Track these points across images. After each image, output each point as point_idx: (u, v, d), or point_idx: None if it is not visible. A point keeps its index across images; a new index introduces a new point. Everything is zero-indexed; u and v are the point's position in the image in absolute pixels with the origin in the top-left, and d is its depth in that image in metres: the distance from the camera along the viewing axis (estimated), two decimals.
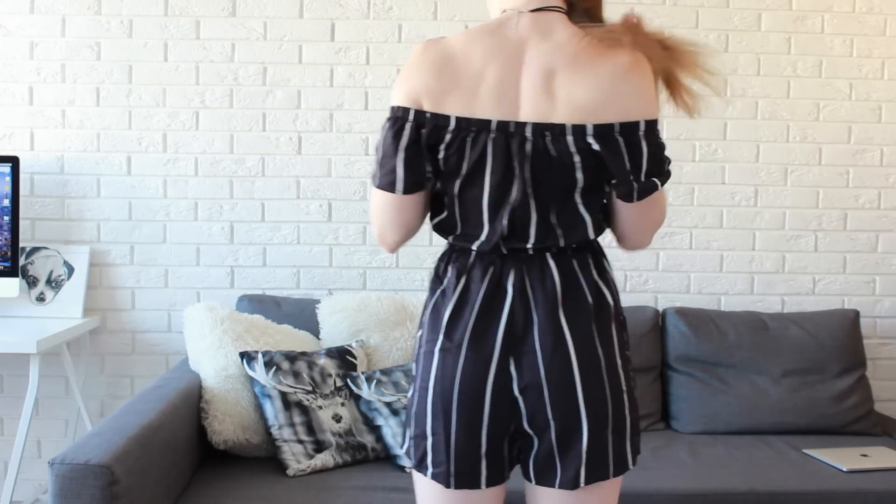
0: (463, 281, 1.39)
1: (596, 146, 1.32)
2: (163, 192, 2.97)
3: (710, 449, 2.58)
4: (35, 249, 2.92)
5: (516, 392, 1.36)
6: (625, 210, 1.40)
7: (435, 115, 1.34)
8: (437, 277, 1.43)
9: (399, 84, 1.36)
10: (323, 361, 2.49)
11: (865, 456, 2.51)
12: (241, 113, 2.97)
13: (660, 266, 3.07)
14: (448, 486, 1.40)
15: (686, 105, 1.38)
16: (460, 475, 1.39)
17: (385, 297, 2.75)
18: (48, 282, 2.90)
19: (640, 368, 2.82)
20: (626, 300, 3.03)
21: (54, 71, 2.93)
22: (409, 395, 1.46)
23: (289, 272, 3.00)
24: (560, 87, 1.32)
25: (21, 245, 2.83)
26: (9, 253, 2.74)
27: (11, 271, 2.74)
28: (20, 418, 2.61)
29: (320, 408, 2.40)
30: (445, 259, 1.43)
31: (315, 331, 2.76)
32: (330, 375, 2.47)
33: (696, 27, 3.01)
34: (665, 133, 3.00)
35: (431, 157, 1.37)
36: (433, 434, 1.39)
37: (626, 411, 1.39)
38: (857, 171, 3.09)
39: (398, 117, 1.35)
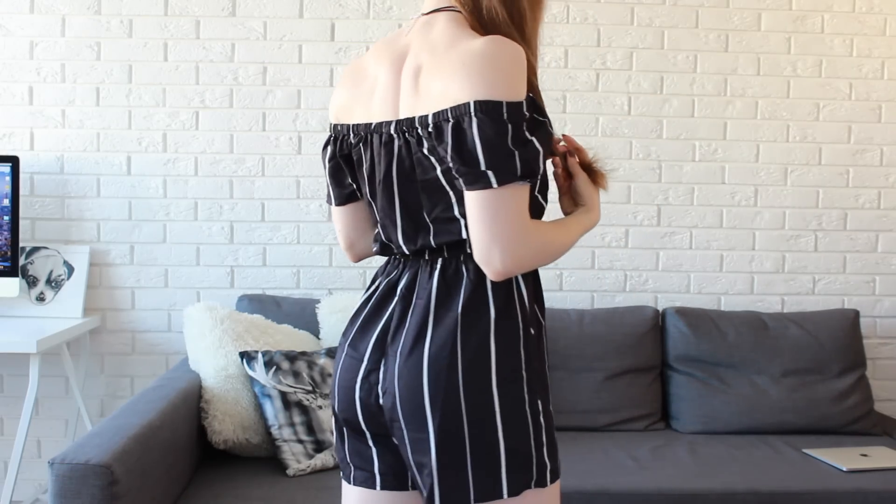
0: (374, 285, 1.40)
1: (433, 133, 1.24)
2: (163, 191, 2.97)
3: (710, 449, 2.58)
4: (35, 249, 2.92)
5: (380, 394, 1.31)
6: (466, 206, 1.23)
7: (342, 126, 1.40)
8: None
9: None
10: (323, 361, 2.49)
11: (865, 456, 2.51)
12: (241, 113, 2.97)
13: (660, 266, 3.07)
14: (350, 483, 1.40)
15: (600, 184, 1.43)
16: (358, 471, 1.39)
17: None
18: (48, 282, 2.90)
19: (640, 368, 2.82)
20: (626, 300, 3.04)
21: (54, 71, 2.93)
22: None
23: (289, 272, 3.00)
24: (423, 82, 1.27)
25: (21, 245, 2.83)
26: (9, 253, 2.74)
27: (11, 271, 2.74)
28: (20, 418, 2.61)
29: (320, 407, 2.40)
30: None
31: (315, 331, 2.76)
32: (330, 375, 2.47)
33: (696, 27, 3.02)
34: (665, 132, 3.01)
35: (351, 170, 1.42)
36: (333, 430, 1.40)
37: (499, 436, 1.23)
38: (857, 171, 3.09)
39: (327, 136, 1.44)
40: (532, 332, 1.30)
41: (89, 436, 1.94)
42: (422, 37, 1.31)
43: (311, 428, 2.36)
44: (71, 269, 2.91)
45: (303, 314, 2.79)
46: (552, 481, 1.30)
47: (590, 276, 3.05)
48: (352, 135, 1.38)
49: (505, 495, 1.24)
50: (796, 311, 3.03)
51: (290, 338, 2.64)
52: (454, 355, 1.24)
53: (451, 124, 1.20)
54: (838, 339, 2.86)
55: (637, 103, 3.02)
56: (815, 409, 2.77)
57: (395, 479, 1.37)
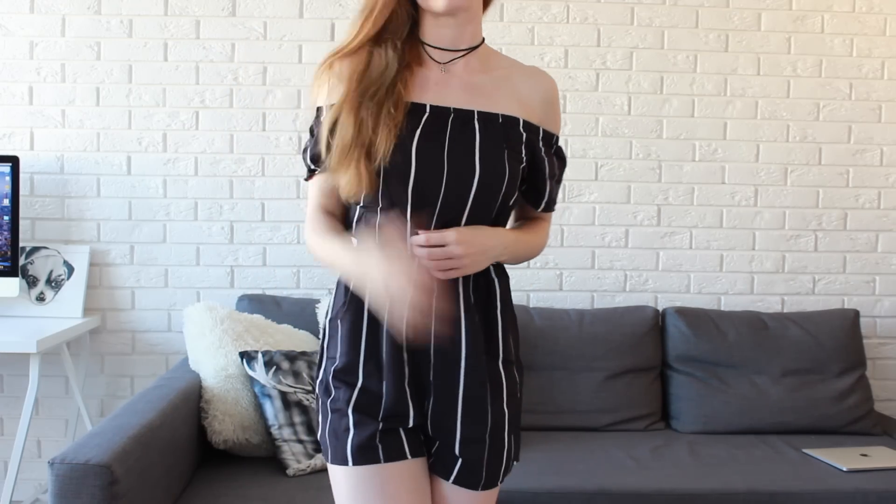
0: None
1: None
2: (163, 191, 2.97)
3: (710, 449, 2.58)
4: (35, 249, 2.92)
5: None
6: None
7: None
8: None
9: None
10: None
11: (865, 456, 2.51)
12: (241, 113, 2.97)
13: (660, 266, 3.07)
14: None
15: None
16: None
17: None
18: (48, 281, 2.90)
19: (640, 368, 2.82)
20: (626, 300, 3.04)
21: (54, 71, 2.93)
22: None
23: (289, 272, 3.00)
24: None
25: (21, 245, 2.82)
26: (9, 253, 2.74)
27: (11, 271, 2.74)
28: (20, 418, 2.61)
29: None
30: None
31: (315, 330, 2.75)
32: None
33: (696, 27, 3.01)
34: (665, 132, 3.01)
35: None
36: None
37: None
38: (857, 171, 3.09)
39: None
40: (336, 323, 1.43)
41: (89, 436, 1.94)
42: None
43: (310, 428, 2.36)
44: (71, 269, 2.91)
45: (303, 314, 2.79)
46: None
47: (590, 276, 3.05)
48: None
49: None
50: (796, 311, 3.03)
51: (290, 338, 2.64)
52: None
53: None
54: (838, 339, 2.86)
55: (637, 103, 3.02)
56: (815, 409, 2.77)
57: None
